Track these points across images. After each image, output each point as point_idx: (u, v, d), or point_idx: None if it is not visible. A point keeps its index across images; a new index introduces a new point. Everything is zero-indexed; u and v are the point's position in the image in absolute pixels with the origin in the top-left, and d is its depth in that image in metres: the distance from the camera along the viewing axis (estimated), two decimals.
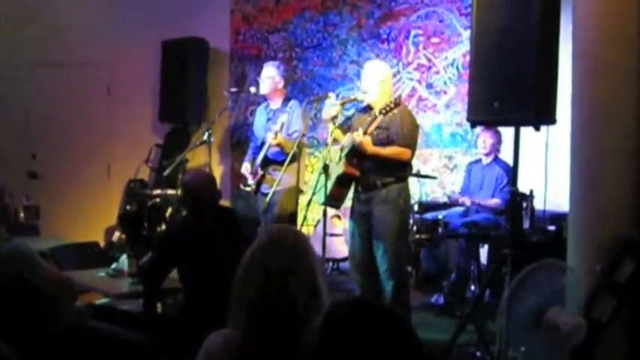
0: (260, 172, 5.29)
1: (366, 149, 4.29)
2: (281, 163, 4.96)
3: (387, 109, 4.23)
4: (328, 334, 1.48)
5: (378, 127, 4.34)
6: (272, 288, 1.85)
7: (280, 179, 4.76)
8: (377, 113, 4.26)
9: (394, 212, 4.36)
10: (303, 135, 4.95)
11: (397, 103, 4.26)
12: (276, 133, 5.02)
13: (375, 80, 4.45)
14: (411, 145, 4.40)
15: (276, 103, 5.39)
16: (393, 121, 4.34)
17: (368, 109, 4.51)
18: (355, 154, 4.36)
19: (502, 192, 5.39)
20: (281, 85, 5.40)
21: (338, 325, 1.48)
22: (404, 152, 4.36)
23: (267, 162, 5.26)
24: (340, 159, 4.45)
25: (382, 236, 4.37)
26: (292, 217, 5.21)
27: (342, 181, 4.46)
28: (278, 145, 5.07)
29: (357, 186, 4.51)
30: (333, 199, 4.54)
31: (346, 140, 4.44)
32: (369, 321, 1.47)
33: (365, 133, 4.29)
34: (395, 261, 4.39)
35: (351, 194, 4.62)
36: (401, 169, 4.42)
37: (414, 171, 4.82)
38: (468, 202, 5.54)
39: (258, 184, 5.31)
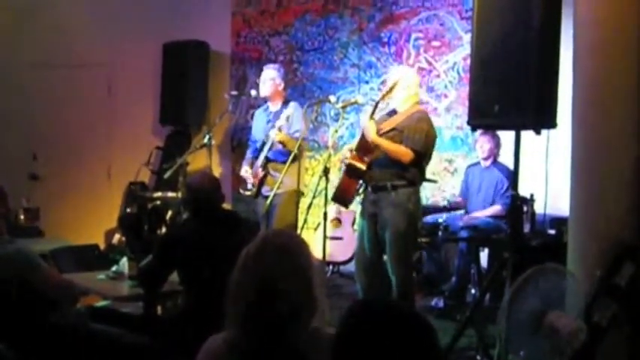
0: (261, 173, 5.27)
1: (368, 134, 4.35)
2: (281, 163, 4.97)
3: (408, 112, 4.42)
4: (347, 335, 1.50)
5: (394, 129, 4.39)
6: (266, 291, 1.84)
7: (281, 181, 4.76)
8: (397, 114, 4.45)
9: (403, 217, 4.38)
10: (304, 138, 4.96)
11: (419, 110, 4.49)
12: (279, 128, 5.03)
13: (402, 87, 4.51)
14: (415, 150, 4.37)
15: (276, 106, 5.39)
16: (409, 125, 4.39)
17: (394, 113, 4.59)
18: (362, 144, 4.42)
19: (503, 197, 5.37)
20: (281, 87, 5.41)
21: (357, 325, 1.50)
22: (405, 153, 4.36)
23: (267, 162, 5.26)
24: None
25: (391, 240, 4.39)
26: (293, 220, 5.19)
27: (350, 174, 4.50)
28: (281, 142, 5.06)
29: (367, 186, 4.53)
30: (341, 193, 4.57)
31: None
32: (389, 320, 1.49)
33: (380, 131, 4.38)
34: (401, 265, 4.42)
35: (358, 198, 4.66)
36: (409, 172, 4.41)
37: None
38: (468, 218, 5.53)
39: (260, 185, 5.28)
